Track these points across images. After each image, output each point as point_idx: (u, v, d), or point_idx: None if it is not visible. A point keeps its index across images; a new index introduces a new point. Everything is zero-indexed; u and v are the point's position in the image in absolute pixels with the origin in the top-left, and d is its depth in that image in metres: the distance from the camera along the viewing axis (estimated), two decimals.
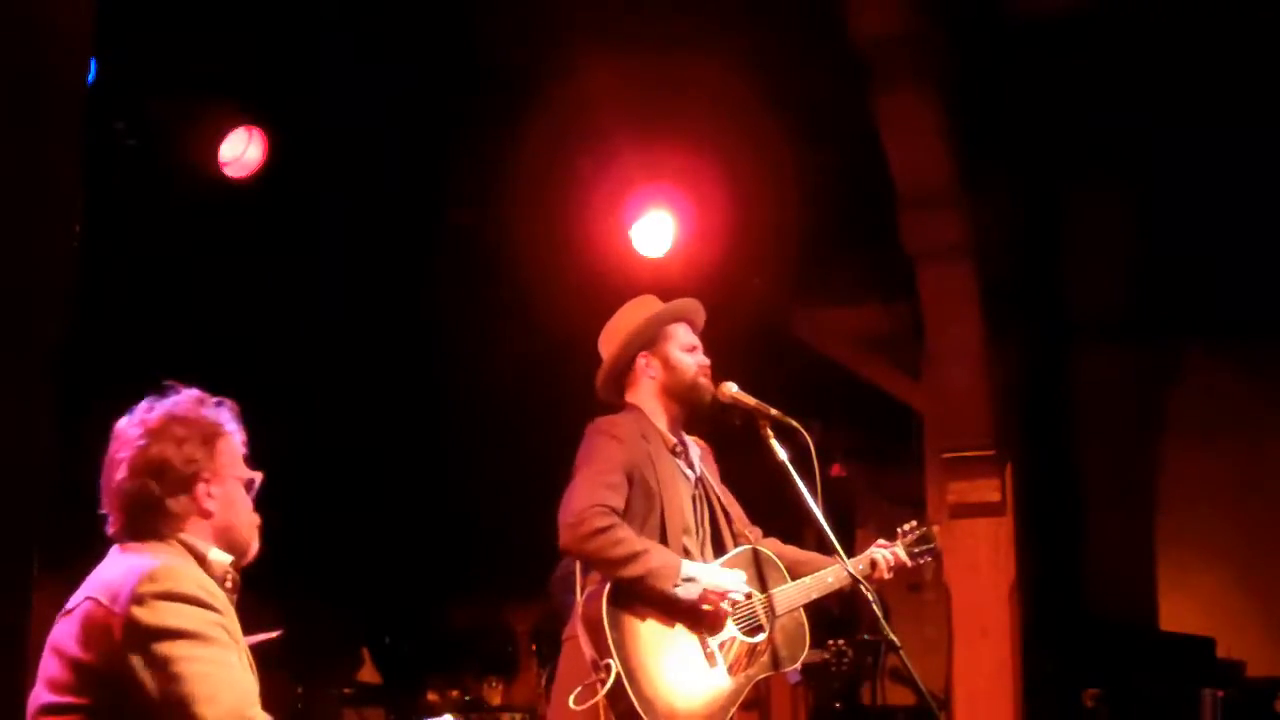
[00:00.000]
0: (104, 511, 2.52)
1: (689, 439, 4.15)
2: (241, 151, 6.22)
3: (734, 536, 4.03)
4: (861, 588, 3.85)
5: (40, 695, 2.37)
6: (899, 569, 4.18)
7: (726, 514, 4.08)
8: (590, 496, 3.71)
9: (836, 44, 6.26)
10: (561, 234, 7.16)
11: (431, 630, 8.84)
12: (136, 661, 2.26)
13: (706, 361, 4.10)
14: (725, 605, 3.75)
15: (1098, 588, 7.84)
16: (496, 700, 8.44)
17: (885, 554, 4.15)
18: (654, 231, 7.13)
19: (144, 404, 2.57)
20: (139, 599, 2.29)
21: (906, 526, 4.30)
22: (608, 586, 3.66)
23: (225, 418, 2.60)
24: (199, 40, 5.92)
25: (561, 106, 6.55)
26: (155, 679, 2.26)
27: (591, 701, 3.52)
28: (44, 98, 3.40)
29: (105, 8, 3.56)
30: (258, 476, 2.62)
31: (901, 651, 3.60)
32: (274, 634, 2.39)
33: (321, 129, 6.60)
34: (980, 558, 7.16)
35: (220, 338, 6.64)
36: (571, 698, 3.54)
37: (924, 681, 3.73)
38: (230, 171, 6.21)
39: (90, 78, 4.06)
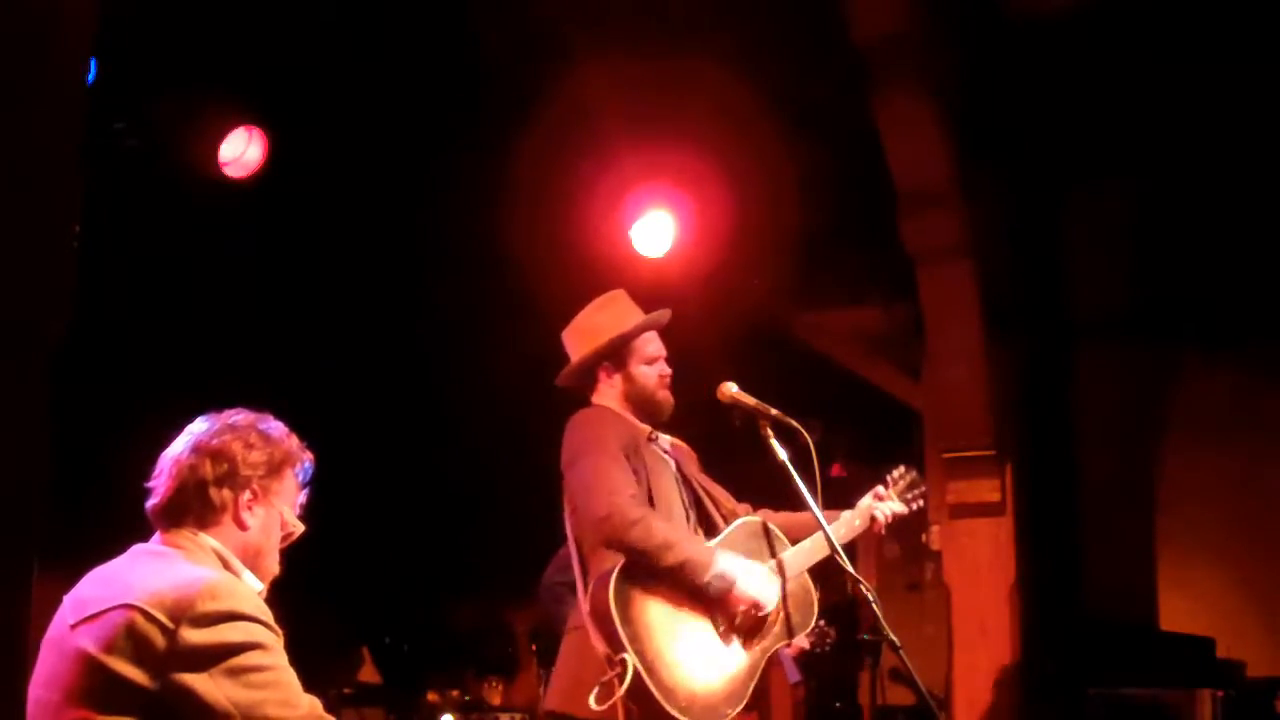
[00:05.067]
0: (151, 483, 2.48)
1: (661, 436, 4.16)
2: (241, 151, 6.23)
3: (724, 516, 4.04)
4: (861, 587, 3.86)
5: (63, 711, 2.25)
6: (897, 517, 4.29)
7: (711, 496, 4.09)
8: (616, 488, 3.72)
9: (836, 44, 6.27)
10: (561, 234, 7.16)
11: (431, 630, 8.83)
12: (201, 679, 2.20)
13: (668, 372, 4.11)
14: (756, 611, 3.75)
15: (1098, 588, 7.83)
16: (496, 700, 8.44)
17: (882, 509, 4.25)
18: (654, 231, 7.14)
19: (240, 409, 2.58)
20: (201, 617, 2.23)
21: (896, 473, 4.36)
22: (612, 578, 3.64)
23: (304, 461, 2.60)
24: (199, 40, 5.92)
25: (562, 107, 6.55)
26: (228, 693, 2.21)
27: (612, 700, 3.50)
28: (44, 98, 3.40)
29: (106, 7, 3.56)
30: (299, 529, 2.58)
31: (901, 651, 3.59)
32: None
33: (321, 129, 6.60)
34: (980, 558, 7.16)
35: (220, 338, 6.65)
36: (592, 697, 3.51)
37: (924, 681, 3.72)
38: (230, 171, 6.21)
39: (90, 78, 4.06)
